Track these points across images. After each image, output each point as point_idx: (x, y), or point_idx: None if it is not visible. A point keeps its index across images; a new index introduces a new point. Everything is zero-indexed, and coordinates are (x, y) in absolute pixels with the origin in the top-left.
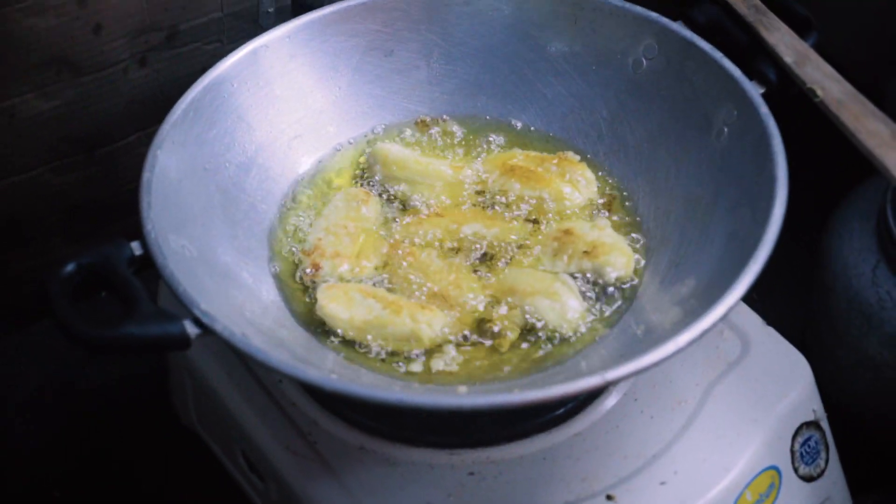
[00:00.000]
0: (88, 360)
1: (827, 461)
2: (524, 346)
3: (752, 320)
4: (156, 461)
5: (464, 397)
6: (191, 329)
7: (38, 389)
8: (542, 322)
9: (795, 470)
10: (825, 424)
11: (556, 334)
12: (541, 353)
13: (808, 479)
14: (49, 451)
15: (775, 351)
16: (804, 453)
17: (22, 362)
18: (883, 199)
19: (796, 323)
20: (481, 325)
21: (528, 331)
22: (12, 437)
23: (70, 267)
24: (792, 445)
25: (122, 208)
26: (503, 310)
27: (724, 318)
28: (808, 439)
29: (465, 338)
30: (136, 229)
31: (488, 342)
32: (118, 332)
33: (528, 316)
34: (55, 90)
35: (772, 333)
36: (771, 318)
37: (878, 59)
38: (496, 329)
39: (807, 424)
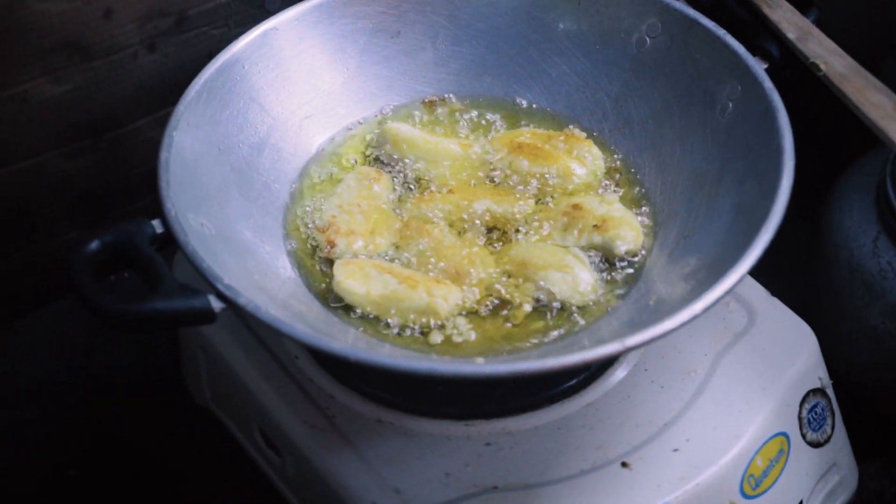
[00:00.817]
0: (97, 345)
1: (833, 428)
2: (538, 317)
3: (757, 291)
4: (170, 440)
5: (488, 366)
6: (215, 303)
7: (49, 375)
8: (555, 294)
9: (803, 436)
10: (831, 392)
11: (570, 306)
12: (554, 324)
13: (816, 444)
14: (63, 433)
15: (781, 321)
16: (811, 419)
17: (30, 349)
18: (882, 172)
19: (798, 294)
20: (496, 298)
21: (541, 303)
22: (27, 421)
23: (94, 245)
24: (800, 412)
25: (130, 193)
26: (517, 283)
27: (736, 286)
28: (815, 406)
29: (479, 311)
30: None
31: (503, 313)
32: (146, 308)
33: (540, 289)
34: (66, 74)
35: (777, 304)
36: (773, 290)
37: (876, 38)
38: (511, 302)
39: (813, 391)
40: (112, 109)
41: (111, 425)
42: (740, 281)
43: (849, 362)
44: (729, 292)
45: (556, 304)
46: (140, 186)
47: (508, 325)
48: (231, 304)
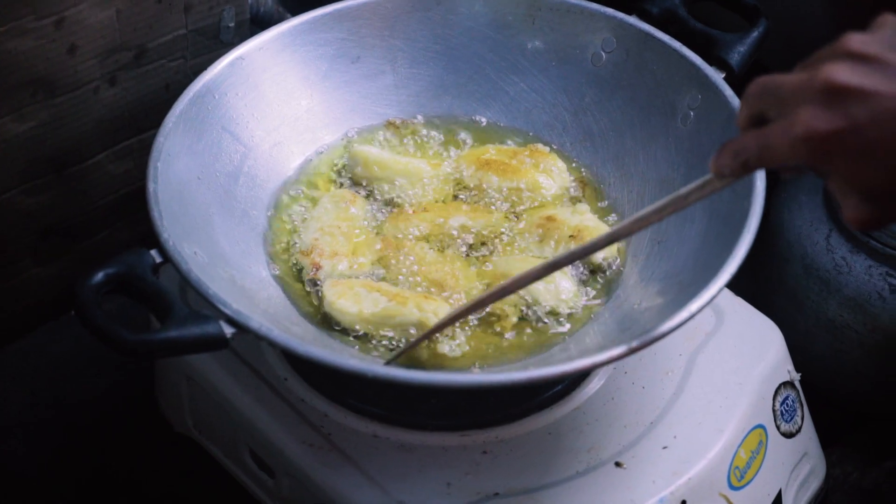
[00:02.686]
0: (67, 378)
1: (803, 418)
2: (525, 326)
3: (722, 293)
4: (156, 469)
5: (497, 375)
6: (227, 329)
7: (27, 409)
8: (541, 303)
9: (778, 427)
10: (798, 384)
11: (556, 314)
12: (540, 332)
13: (789, 435)
14: (49, 468)
15: (747, 319)
16: (784, 411)
17: (5, 383)
18: None
19: (755, 293)
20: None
21: (527, 313)
22: (11, 459)
23: (98, 276)
24: (773, 405)
25: (91, 226)
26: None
27: (727, 284)
28: (787, 398)
29: (468, 323)
30: (106, 247)
31: (494, 327)
32: (160, 337)
33: (525, 301)
34: (30, 111)
35: (742, 303)
36: (733, 290)
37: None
38: (497, 314)
39: (784, 384)
40: (73, 144)
41: (95, 458)
42: (731, 278)
43: (808, 355)
44: (721, 290)
45: (541, 315)
46: (102, 219)
47: (496, 335)
48: (243, 329)
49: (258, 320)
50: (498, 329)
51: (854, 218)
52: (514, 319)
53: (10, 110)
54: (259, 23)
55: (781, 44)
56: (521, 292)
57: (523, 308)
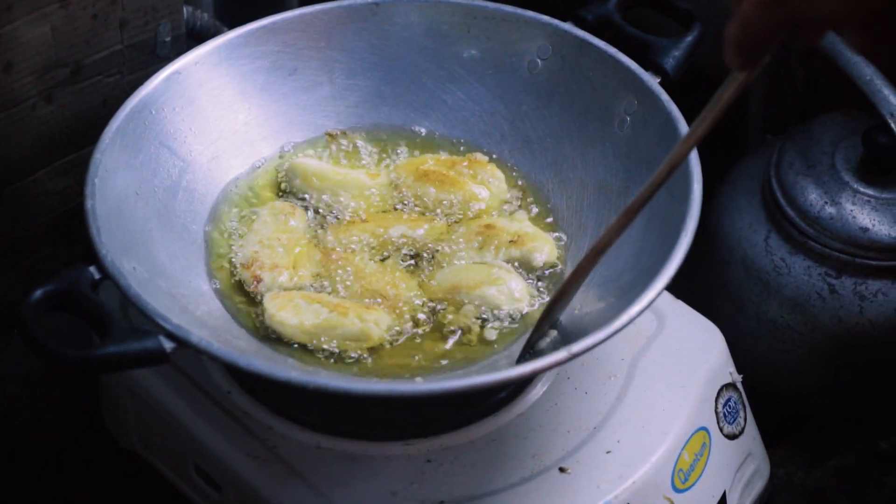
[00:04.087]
0: (17, 395)
1: (745, 419)
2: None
3: (662, 296)
4: (101, 486)
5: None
6: (166, 344)
7: None
8: (495, 308)
9: (721, 429)
10: (740, 386)
11: (517, 315)
12: (493, 337)
13: (732, 437)
14: None
15: (688, 322)
16: (726, 413)
17: None
18: (766, 175)
19: (696, 296)
20: (440, 327)
21: (487, 319)
22: None
23: (39, 294)
24: (716, 407)
25: (33, 243)
26: (456, 308)
27: (666, 286)
28: (729, 400)
29: (412, 331)
30: (49, 264)
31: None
32: (100, 353)
33: (480, 308)
34: None
35: (682, 306)
36: (674, 294)
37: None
38: (460, 329)
39: (726, 386)
40: (12, 163)
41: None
42: (670, 281)
43: (751, 356)
44: (660, 294)
45: (498, 319)
46: (46, 236)
47: (440, 343)
48: (183, 344)
49: (198, 334)
50: (465, 341)
51: (861, 50)
52: (477, 329)
53: None
54: (196, 37)
55: (719, 46)
56: (476, 301)
57: (484, 313)
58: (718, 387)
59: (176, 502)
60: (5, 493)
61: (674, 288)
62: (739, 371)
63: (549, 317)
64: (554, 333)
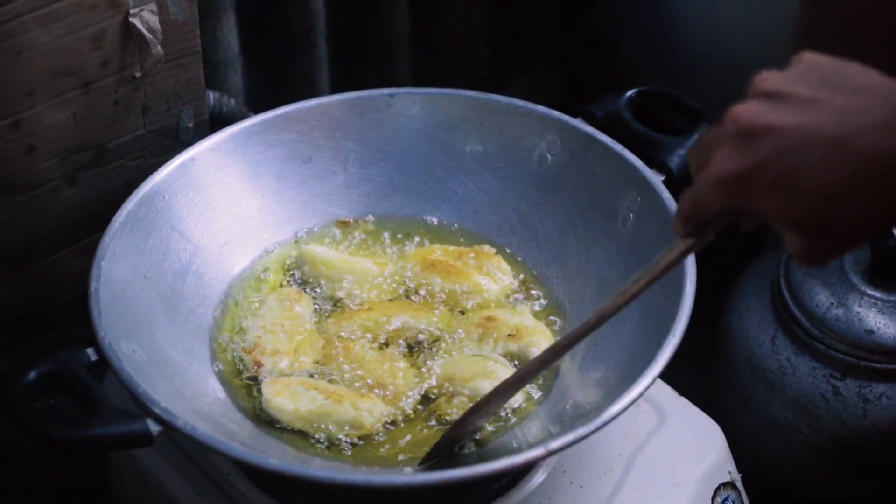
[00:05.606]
0: (21, 468)
1: None
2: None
3: (665, 392)
4: None
5: (415, 476)
6: (153, 427)
7: None
8: None
9: None
10: (740, 485)
11: (506, 409)
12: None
13: None
14: None
15: (689, 419)
16: None
17: None
18: (776, 275)
19: (703, 393)
20: (436, 416)
21: None
22: None
23: (32, 375)
24: None
25: (54, 321)
26: (449, 398)
27: (649, 387)
28: (726, 499)
29: (407, 421)
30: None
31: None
32: (88, 434)
33: (472, 400)
34: None
35: (684, 403)
36: (680, 390)
37: None
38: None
39: (724, 485)
40: (34, 241)
41: None
42: (654, 382)
43: (755, 455)
44: (642, 394)
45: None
46: (64, 314)
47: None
48: (169, 427)
49: (184, 419)
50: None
51: (795, 252)
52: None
53: None
54: (222, 122)
55: None
56: (469, 393)
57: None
58: (716, 485)
59: None
60: None
61: (678, 383)
62: (743, 469)
63: (465, 423)
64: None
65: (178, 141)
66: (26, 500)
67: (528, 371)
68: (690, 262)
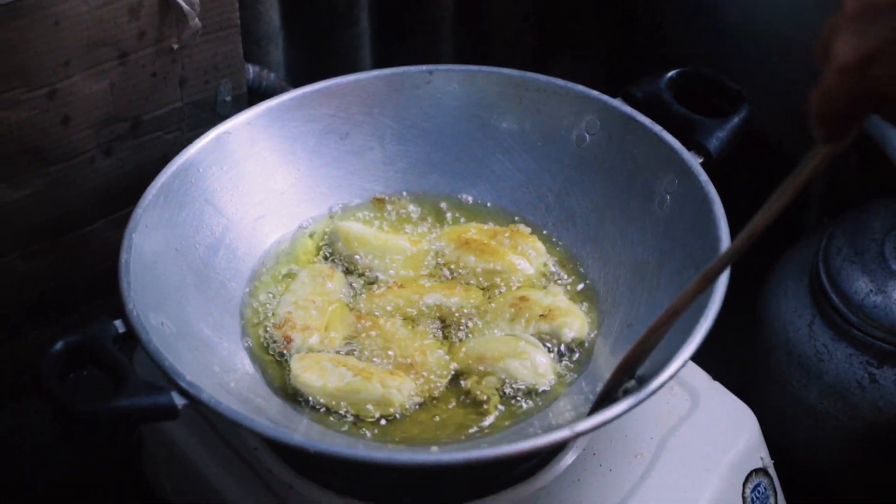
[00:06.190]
0: (48, 450)
1: None
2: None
3: (699, 376)
4: None
5: (441, 454)
6: (178, 400)
7: (14, 473)
8: (518, 381)
9: None
10: (772, 471)
11: (532, 391)
12: (505, 412)
13: None
14: None
15: (722, 403)
16: (755, 499)
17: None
18: (815, 259)
19: (738, 378)
20: (463, 394)
21: (507, 392)
22: None
23: (59, 346)
24: (743, 492)
25: (89, 292)
26: (479, 378)
27: (677, 372)
28: (758, 485)
29: (435, 400)
30: (104, 311)
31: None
32: (111, 406)
33: (502, 380)
34: (25, 180)
35: (718, 387)
36: (715, 374)
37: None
38: (479, 398)
39: (756, 471)
40: (70, 212)
41: None
42: (682, 367)
43: (789, 441)
44: (672, 378)
45: (520, 393)
46: (99, 286)
47: (468, 413)
48: (193, 401)
49: (209, 393)
50: (483, 412)
51: None
52: (496, 400)
53: (4, 178)
54: (262, 96)
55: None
56: (500, 373)
57: (505, 385)
58: (748, 471)
59: None
60: None
61: (712, 368)
62: (777, 454)
63: (625, 368)
64: (632, 383)
65: (215, 114)
66: (41, 493)
67: (685, 302)
68: (725, 244)
